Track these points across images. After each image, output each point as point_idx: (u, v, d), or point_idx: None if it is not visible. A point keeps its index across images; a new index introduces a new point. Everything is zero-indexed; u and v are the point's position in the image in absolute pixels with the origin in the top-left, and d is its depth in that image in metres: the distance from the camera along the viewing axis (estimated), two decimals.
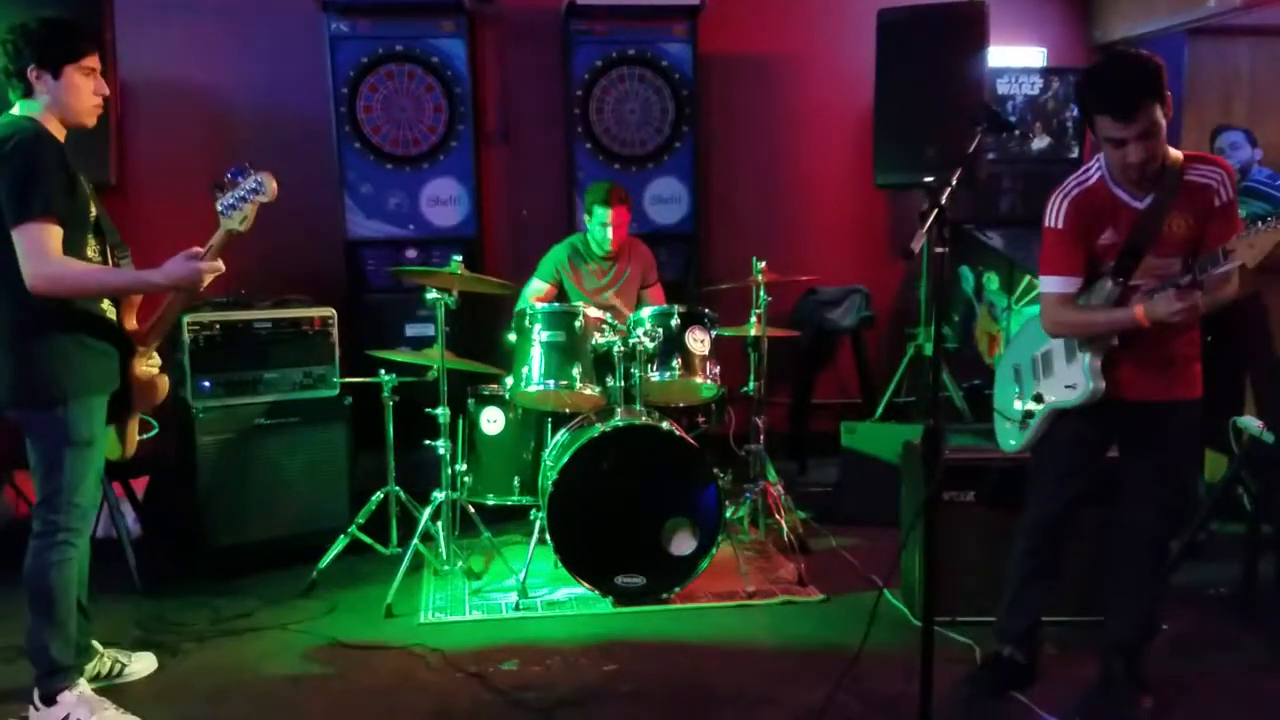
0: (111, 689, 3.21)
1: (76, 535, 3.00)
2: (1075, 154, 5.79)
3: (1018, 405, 3.19)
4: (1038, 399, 3.10)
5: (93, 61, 2.97)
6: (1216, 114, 5.65)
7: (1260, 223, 2.55)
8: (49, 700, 2.97)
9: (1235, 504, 4.07)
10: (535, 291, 4.77)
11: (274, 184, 2.93)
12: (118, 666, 3.33)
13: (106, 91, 3.03)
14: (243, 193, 2.92)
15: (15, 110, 2.94)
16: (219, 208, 2.94)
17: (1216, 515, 4.12)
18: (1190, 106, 5.71)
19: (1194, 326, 2.91)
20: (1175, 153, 2.85)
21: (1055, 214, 2.93)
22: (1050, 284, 2.97)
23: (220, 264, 2.95)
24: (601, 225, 4.68)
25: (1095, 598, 3.40)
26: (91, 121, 3.03)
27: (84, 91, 2.96)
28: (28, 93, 2.93)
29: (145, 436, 3.40)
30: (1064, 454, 3.09)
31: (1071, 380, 2.99)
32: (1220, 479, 4.09)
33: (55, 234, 2.81)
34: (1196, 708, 3.11)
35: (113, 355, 3.03)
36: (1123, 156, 2.76)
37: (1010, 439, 3.24)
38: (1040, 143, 5.81)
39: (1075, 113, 5.70)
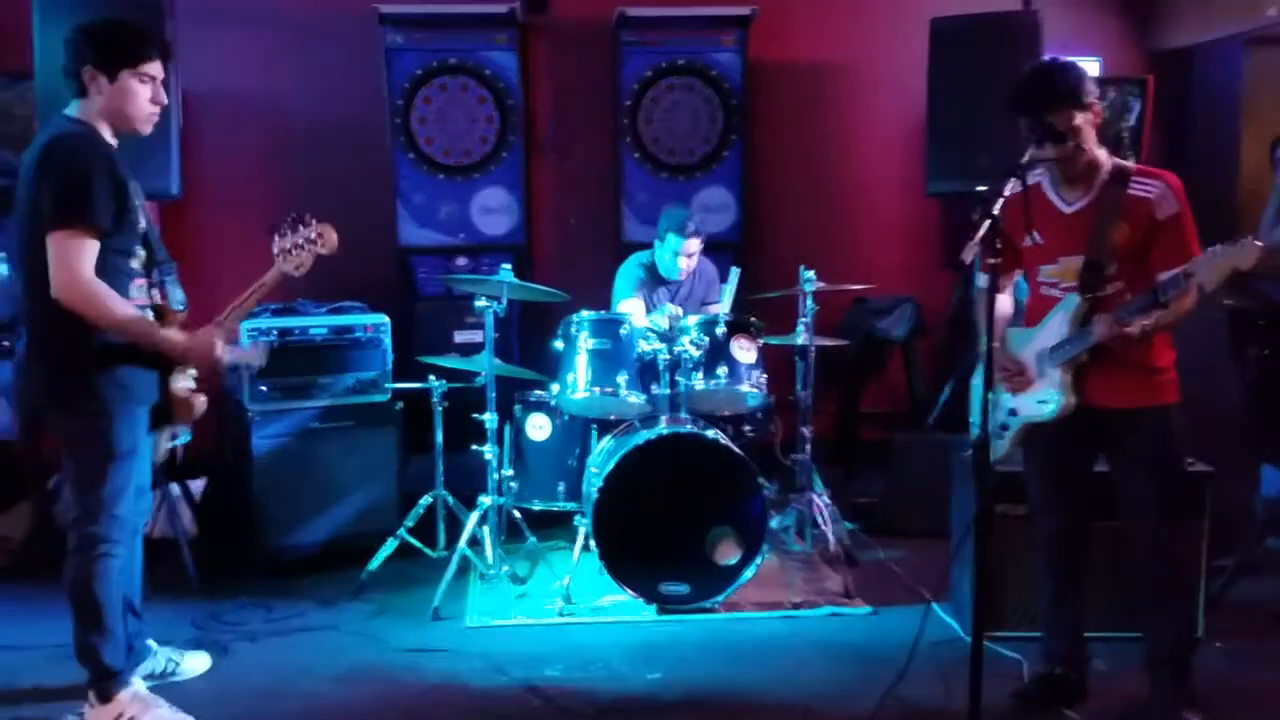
0: (165, 687, 3.26)
1: (116, 545, 2.94)
2: (1131, 163, 5.69)
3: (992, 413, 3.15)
4: (1012, 413, 3.07)
5: (153, 69, 2.90)
6: (1276, 124, 5.53)
7: (1220, 244, 2.55)
8: (105, 698, 2.99)
9: None
10: (633, 310, 4.63)
11: (334, 236, 2.94)
12: (171, 665, 3.37)
13: (164, 101, 2.95)
14: (300, 240, 2.93)
15: (67, 110, 2.89)
16: (275, 250, 2.94)
17: (1273, 531, 4.04)
18: (1249, 117, 5.59)
19: (1151, 340, 2.86)
20: (1127, 165, 2.94)
21: None
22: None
23: (251, 358, 3.08)
24: (674, 254, 4.68)
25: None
26: (146, 130, 2.96)
27: (139, 99, 2.88)
28: (81, 92, 2.87)
29: (175, 444, 3.42)
30: (1045, 467, 3.12)
31: (1043, 396, 2.98)
32: (1277, 494, 4.02)
33: (89, 247, 2.74)
34: None
35: (153, 368, 2.99)
36: (1041, 155, 2.86)
37: None
38: None
39: (1132, 122, 5.61)
